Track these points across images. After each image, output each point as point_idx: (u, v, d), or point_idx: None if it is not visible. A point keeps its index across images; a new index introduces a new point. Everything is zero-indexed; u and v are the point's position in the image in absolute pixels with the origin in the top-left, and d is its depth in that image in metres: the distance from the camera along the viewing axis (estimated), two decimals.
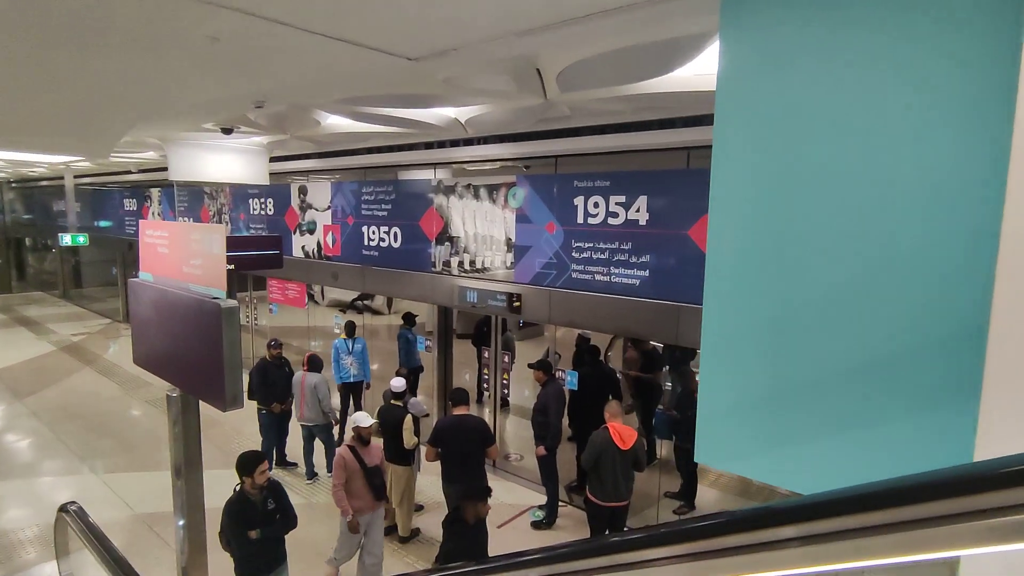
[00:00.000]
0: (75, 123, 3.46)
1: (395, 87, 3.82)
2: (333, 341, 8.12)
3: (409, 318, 8.57)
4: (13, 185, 21.44)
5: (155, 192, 13.51)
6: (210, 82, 3.15)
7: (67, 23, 2.36)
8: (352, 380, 7.85)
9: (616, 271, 5.64)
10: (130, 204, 14.75)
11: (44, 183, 18.99)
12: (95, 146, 3.70)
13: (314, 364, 6.90)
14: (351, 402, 7.97)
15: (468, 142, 6.44)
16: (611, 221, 5.64)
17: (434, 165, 7.36)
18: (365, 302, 13.56)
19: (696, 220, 5.07)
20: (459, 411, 5.09)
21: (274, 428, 7.09)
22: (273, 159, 8.20)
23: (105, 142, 3.73)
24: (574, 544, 1.23)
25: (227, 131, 5.63)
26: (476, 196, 6.79)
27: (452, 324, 7.95)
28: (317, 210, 8.94)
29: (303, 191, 9.16)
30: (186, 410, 4.02)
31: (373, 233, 8.08)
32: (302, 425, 6.92)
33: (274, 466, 7.08)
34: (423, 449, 5.34)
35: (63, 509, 4.06)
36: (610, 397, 5.86)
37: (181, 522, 4.06)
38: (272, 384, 6.92)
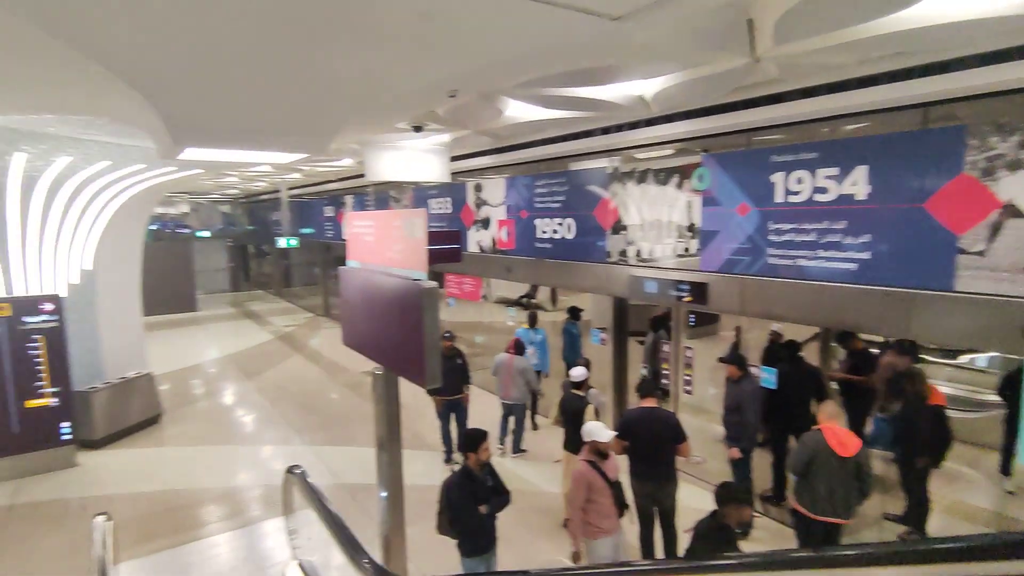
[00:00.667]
0: (299, 119, 3.83)
1: (585, 59, 3.68)
2: (516, 330, 8.32)
3: (574, 312, 8.46)
4: (241, 201, 25.51)
5: (349, 199, 15.08)
6: (415, 66, 3.27)
7: (299, 14, 2.55)
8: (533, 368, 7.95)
9: (825, 254, 4.94)
10: (329, 211, 16.65)
11: (264, 197, 22.28)
12: (314, 143, 4.08)
13: (520, 348, 7.28)
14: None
15: (650, 122, 6.11)
16: (818, 198, 4.95)
17: (609, 152, 7.14)
18: (531, 299, 13.74)
19: (937, 190, 4.23)
20: (647, 403, 4.80)
21: (446, 417, 7.32)
22: (452, 158, 8.60)
23: (322, 139, 4.10)
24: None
25: (418, 129, 5.97)
26: (655, 181, 6.44)
27: (627, 317, 7.66)
28: (491, 206, 9.21)
29: (478, 188, 9.51)
30: (389, 388, 4.26)
31: (546, 226, 8.10)
32: (503, 403, 7.33)
33: (452, 456, 7.37)
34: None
35: (290, 471, 4.55)
36: (816, 399, 5.17)
37: (384, 494, 4.30)
38: (443, 376, 7.12)
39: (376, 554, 4.03)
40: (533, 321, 8.17)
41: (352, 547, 3.59)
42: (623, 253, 6.90)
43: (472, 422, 7.43)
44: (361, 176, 13.49)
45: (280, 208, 15.64)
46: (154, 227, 22.75)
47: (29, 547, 5.60)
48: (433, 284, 3.46)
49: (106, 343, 8.42)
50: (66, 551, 5.50)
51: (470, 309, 11.29)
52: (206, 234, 24.34)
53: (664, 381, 6.95)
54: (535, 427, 8.25)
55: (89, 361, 8.12)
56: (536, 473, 6.89)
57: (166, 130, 3.50)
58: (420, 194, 11.44)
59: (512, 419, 7.42)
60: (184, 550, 5.50)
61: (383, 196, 13.07)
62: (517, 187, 8.64)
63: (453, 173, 9.29)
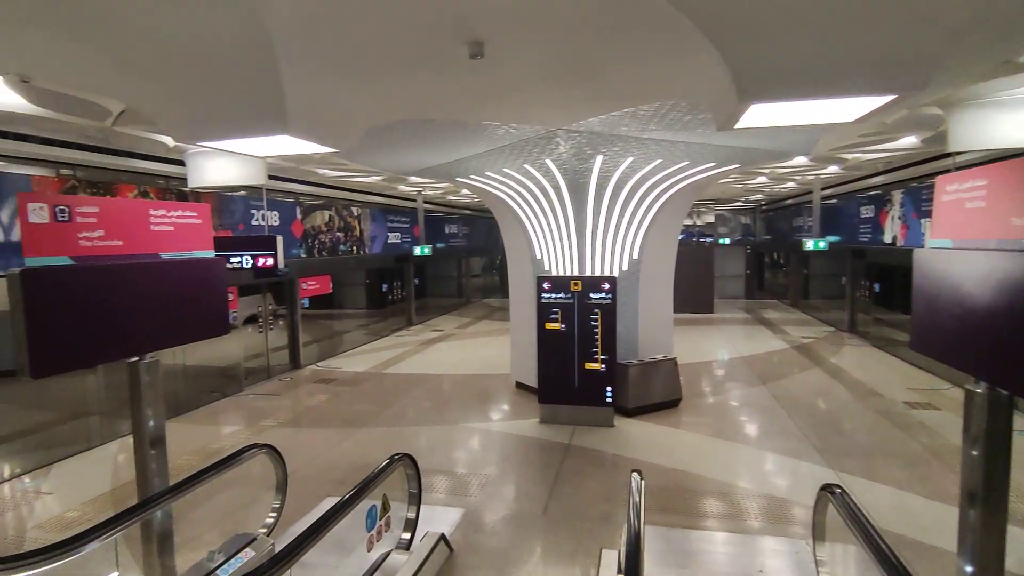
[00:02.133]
0: (889, 42, 2.97)
1: None
2: None
3: None
4: (762, 209, 25.42)
5: (896, 195, 12.63)
6: None
7: None
8: None
9: None
10: (865, 211, 14.46)
11: (787, 203, 21.45)
12: (910, 77, 3.11)
13: None
14: None
15: None
16: None
17: None
18: None
19: None
20: None
21: None
22: None
23: (921, 70, 3.10)
24: None
25: None
26: None
27: None
28: None
29: None
30: (995, 414, 2.94)
31: None
32: None
33: None
34: None
35: (827, 489, 3.76)
36: None
37: (969, 568, 3.03)
38: None
39: None
40: None
41: None
42: None
43: None
44: (916, 164, 11.05)
45: (810, 209, 14.49)
46: (680, 236, 25.33)
47: (577, 483, 6.66)
48: None
49: (642, 325, 9.46)
50: (601, 495, 6.27)
51: None
52: (726, 241, 25.42)
53: None
54: None
55: (628, 338, 9.28)
56: None
57: (732, 86, 3.29)
58: None
59: None
60: (690, 535, 5.44)
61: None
62: None
63: None
